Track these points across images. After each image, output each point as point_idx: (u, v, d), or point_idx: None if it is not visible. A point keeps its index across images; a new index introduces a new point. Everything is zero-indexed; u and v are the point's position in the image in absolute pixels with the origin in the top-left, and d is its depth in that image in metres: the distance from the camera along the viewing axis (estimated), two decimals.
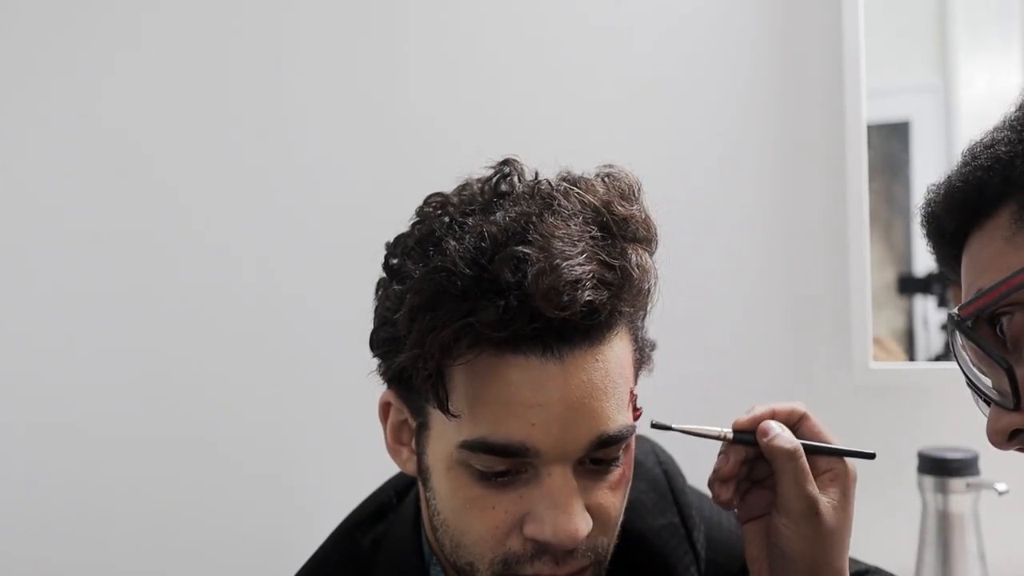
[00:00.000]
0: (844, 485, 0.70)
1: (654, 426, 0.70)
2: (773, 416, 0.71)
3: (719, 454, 0.72)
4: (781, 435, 0.69)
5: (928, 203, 0.61)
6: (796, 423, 0.72)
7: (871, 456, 0.71)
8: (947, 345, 1.16)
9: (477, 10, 1.32)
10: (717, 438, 0.71)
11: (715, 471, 0.71)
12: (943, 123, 1.18)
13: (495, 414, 0.61)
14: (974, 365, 0.57)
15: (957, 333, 0.56)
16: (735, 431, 0.71)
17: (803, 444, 0.70)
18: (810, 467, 0.71)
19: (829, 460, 0.71)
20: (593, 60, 1.29)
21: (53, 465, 1.37)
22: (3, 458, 1.38)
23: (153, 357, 1.36)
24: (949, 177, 0.59)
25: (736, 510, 0.73)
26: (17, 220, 1.40)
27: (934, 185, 0.60)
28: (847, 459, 0.71)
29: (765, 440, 0.69)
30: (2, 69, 1.41)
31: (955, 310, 0.55)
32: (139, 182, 1.38)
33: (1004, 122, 0.57)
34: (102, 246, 1.38)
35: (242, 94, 1.37)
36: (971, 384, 0.57)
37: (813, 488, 0.68)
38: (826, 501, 0.68)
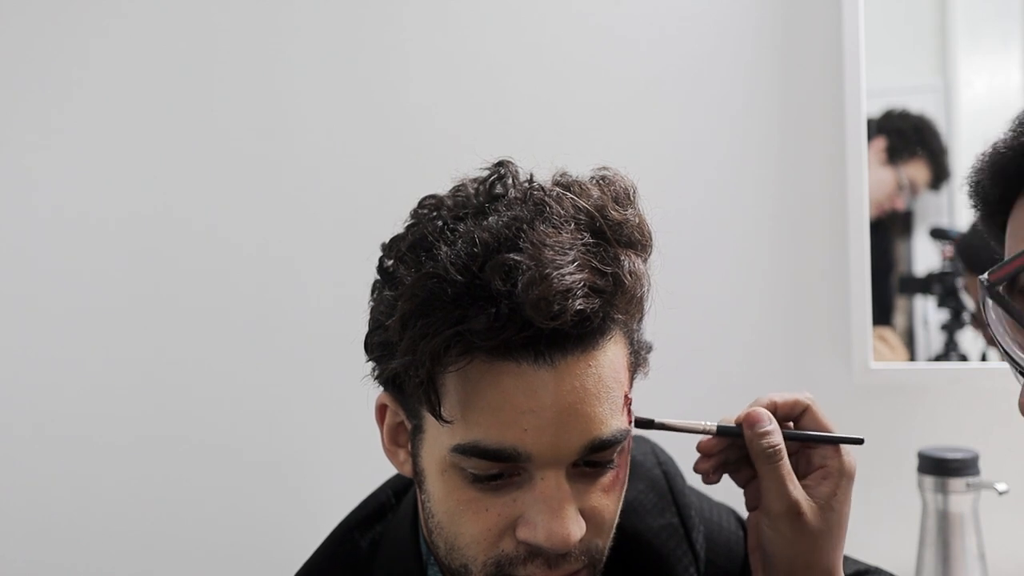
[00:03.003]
0: (836, 483, 0.69)
1: (637, 423, 0.68)
2: (774, 409, 0.71)
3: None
4: (765, 432, 0.68)
5: (974, 171, 0.59)
6: (799, 415, 0.71)
7: (859, 442, 0.71)
8: (948, 346, 1.17)
9: (477, 9, 1.32)
10: (701, 432, 0.70)
11: (699, 443, 0.72)
12: (943, 123, 1.18)
13: (487, 419, 0.60)
14: (1008, 336, 0.54)
15: (989, 300, 0.53)
16: (721, 425, 0.70)
17: (788, 433, 0.69)
18: (805, 460, 0.71)
19: (823, 455, 0.70)
20: (593, 60, 1.29)
21: (55, 466, 1.37)
22: (5, 460, 1.38)
23: (154, 359, 1.37)
24: (995, 145, 0.57)
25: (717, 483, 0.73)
26: (15, 220, 1.40)
27: (981, 153, 0.59)
28: (844, 456, 0.70)
29: (749, 433, 0.69)
30: (3, 66, 1.41)
31: (985, 275, 0.53)
32: (138, 185, 1.38)
33: None
34: (101, 248, 1.38)
35: (240, 95, 1.37)
36: (1006, 354, 0.54)
37: (794, 490, 0.68)
38: (810, 503, 0.68)
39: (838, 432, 0.71)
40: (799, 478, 0.70)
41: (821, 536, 0.68)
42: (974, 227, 1.16)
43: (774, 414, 0.70)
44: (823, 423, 0.71)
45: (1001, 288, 0.52)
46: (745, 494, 0.73)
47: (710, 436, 0.71)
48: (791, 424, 0.72)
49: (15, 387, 1.38)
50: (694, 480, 0.84)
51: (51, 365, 1.38)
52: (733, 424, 0.71)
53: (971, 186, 0.59)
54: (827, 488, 0.69)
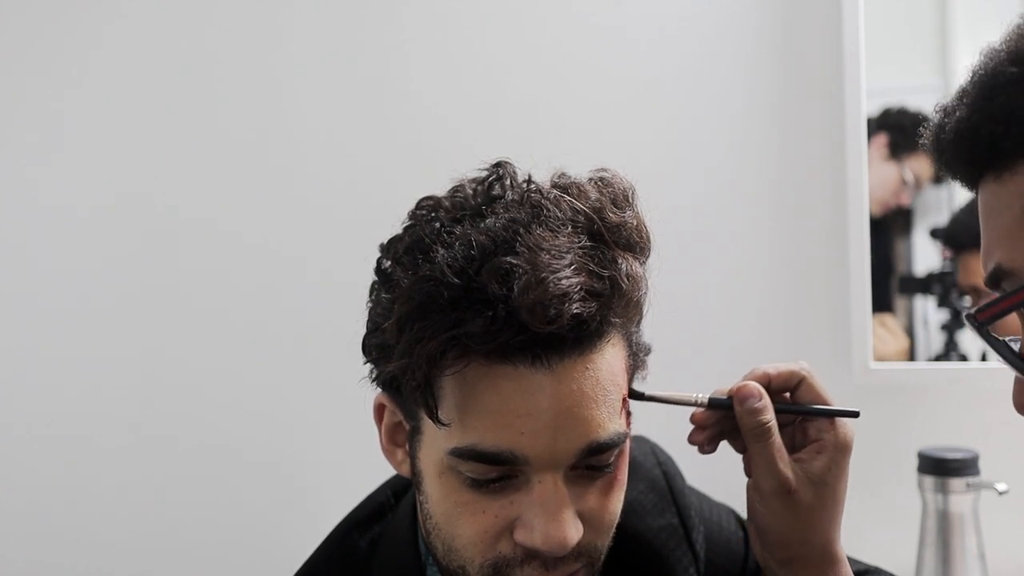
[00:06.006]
0: (831, 457, 0.68)
1: (630, 395, 0.67)
2: (768, 381, 0.69)
3: None
4: (754, 409, 0.67)
5: (937, 136, 0.55)
6: (795, 387, 0.70)
7: (855, 415, 0.69)
8: (948, 346, 1.17)
9: (477, 9, 1.32)
10: (692, 404, 0.69)
11: (692, 415, 0.70)
12: None
13: (484, 423, 0.60)
14: (996, 357, 0.53)
15: (977, 334, 0.52)
16: (712, 397, 0.69)
17: (781, 407, 0.68)
18: (800, 433, 0.70)
19: (819, 428, 0.69)
20: (593, 60, 1.29)
21: (55, 466, 1.37)
22: (5, 460, 1.38)
23: (154, 359, 1.37)
24: (959, 120, 0.53)
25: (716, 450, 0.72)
26: (15, 219, 1.40)
27: (940, 107, 0.55)
28: (840, 428, 0.69)
29: (739, 409, 0.67)
30: (3, 64, 1.41)
31: (973, 311, 0.52)
32: (139, 184, 1.38)
33: (1016, 52, 0.50)
34: (102, 247, 1.38)
35: (241, 94, 1.37)
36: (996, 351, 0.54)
37: (784, 468, 0.67)
38: (802, 478, 0.67)
39: (835, 404, 0.69)
40: (793, 450, 0.69)
41: (815, 511, 0.67)
42: (961, 210, 1.16)
43: (768, 386, 0.69)
44: (820, 395, 0.69)
45: (990, 328, 0.51)
46: (744, 460, 0.72)
47: (702, 409, 0.70)
48: (787, 395, 0.71)
49: (15, 387, 1.38)
50: (694, 480, 0.85)
51: (51, 365, 1.38)
52: (725, 396, 0.69)
53: (936, 154, 0.56)
54: (821, 463, 0.68)
